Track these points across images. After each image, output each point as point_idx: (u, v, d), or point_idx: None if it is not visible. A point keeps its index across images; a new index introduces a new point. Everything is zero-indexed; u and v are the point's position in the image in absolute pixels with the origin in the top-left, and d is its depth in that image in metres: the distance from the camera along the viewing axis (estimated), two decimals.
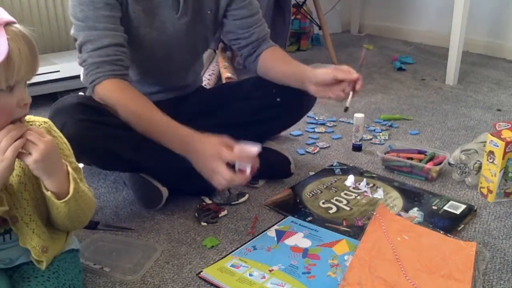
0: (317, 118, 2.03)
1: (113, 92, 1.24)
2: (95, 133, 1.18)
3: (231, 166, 1.14)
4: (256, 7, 1.47)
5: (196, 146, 1.18)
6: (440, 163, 1.55)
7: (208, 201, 1.39)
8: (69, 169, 0.90)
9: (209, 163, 1.15)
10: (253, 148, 1.13)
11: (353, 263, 1.10)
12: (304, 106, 1.56)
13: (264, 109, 1.45)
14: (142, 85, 1.41)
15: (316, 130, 1.93)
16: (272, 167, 1.51)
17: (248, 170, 1.14)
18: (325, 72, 1.33)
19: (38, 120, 0.93)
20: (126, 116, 1.23)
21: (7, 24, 0.80)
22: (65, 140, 0.97)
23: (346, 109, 1.34)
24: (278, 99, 1.47)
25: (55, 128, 0.96)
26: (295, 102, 1.48)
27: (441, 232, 1.22)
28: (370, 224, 1.23)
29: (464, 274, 1.06)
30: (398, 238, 1.18)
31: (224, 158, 1.13)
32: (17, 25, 0.82)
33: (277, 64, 1.46)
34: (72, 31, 1.29)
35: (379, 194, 1.42)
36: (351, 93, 1.32)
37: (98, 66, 1.23)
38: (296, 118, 1.62)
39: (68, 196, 0.88)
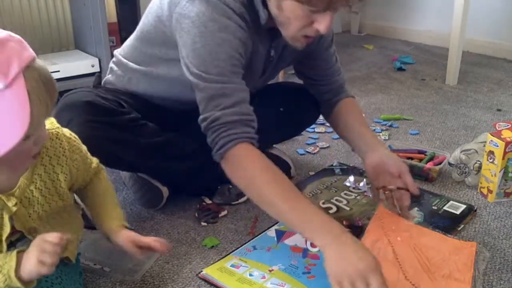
0: None
1: (249, 164, 1.08)
2: (100, 134, 1.17)
3: None
4: (333, 56, 1.41)
5: (348, 243, 0.96)
6: (440, 163, 1.55)
7: (208, 201, 1.39)
8: (123, 226, 1.01)
9: (361, 267, 0.91)
10: None
11: None
12: (305, 119, 1.57)
13: (267, 118, 1.44)
14: (163, 98, 1.34)
15: (316, 130, 1.92)
16: None
17: None
18: (369, 169, 1.26)
19: (50, 127, 0.92)
20: (265, 197, 1.05)
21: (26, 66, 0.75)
22: (78, 142, 0.98)
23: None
24: (281, 109, 1.47)
25: (65, 132, 0.95)
26: (297, 114, 1.49)
27: (441, 232, 1.22)
28: (370, 224, 1.23)
29: (464, 274, 1.06)
30: (398, 238, 1.18)
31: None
32: (35, 63, 0.77)
33: (346, 122, 1.40)
34: (193, 79, 1.11)
35: (379, 194, 1.42)
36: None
37: (230, 127, 1.07)
38: (298, 129, 1.65)
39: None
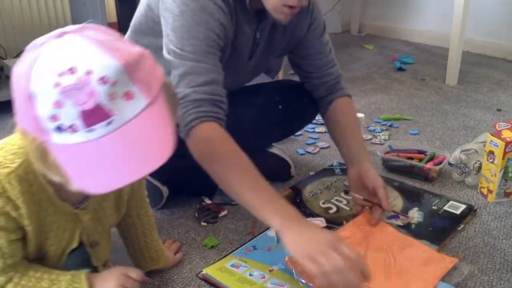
0: (317, 118, 2.03)
1: (215, 142, 1.07)
2: None
3: None
4: (327, 45, 1.39)
5: (302, 225, 0.98)
6: (440, 163, 1.55)
7: (208, 201, 1.39)
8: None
9: (325, 240, 0.93)
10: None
11: None
12: (304, 117, 1.56)
13: (266, 115, 1.44)
14: None
15: (316, 130, 1.93)
16: (272, 171, 1.50)
17: None
18: (351, 183, 1.28)
19: None
20: (225, 175, 1.04)
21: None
22: None
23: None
24: (280, 106, 1.47)
25: None
26: (296, 112, 1.48)
27: (426, 243, 1.17)
28: (350, 221, 1.22)
29: (425, 285, 1.03)
30: (375, 240, 1.16)
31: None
32: (166, 79, 0.73)
33: (339, 125, 1.39)
34: (168, 57, 1.12)
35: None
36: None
37: (199, 105, 1.07)
38: (297, 127, 1.64)
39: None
